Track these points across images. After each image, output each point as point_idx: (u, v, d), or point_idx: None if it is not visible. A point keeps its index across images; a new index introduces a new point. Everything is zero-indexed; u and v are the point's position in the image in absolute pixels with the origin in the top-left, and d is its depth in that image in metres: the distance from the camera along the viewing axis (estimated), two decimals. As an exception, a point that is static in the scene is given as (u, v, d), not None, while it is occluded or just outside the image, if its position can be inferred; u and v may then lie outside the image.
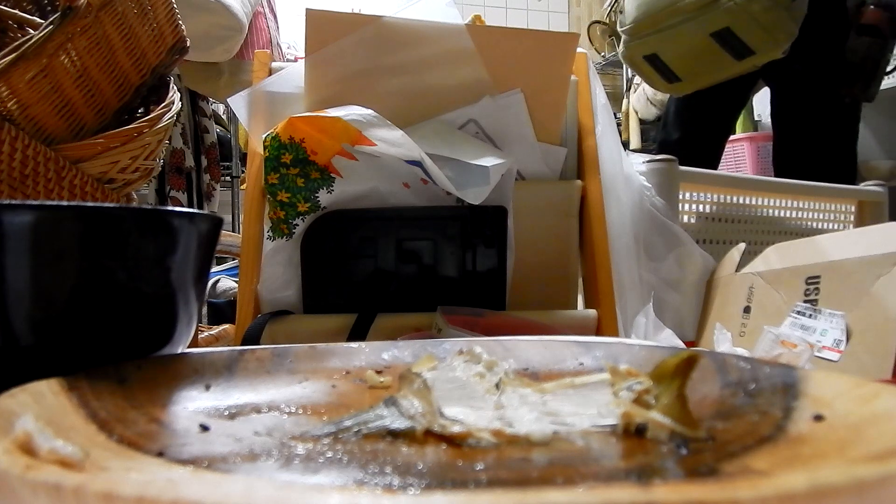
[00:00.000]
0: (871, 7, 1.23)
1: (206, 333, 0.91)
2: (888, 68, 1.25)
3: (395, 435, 0.24)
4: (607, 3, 1.49)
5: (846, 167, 1.31)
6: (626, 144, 2.51)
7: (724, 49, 1.19)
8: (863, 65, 1.24)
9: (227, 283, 1.49)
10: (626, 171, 0.83)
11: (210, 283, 1.45)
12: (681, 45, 1.22)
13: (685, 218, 0.96)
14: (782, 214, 1.06)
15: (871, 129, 2.34)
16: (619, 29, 1.30)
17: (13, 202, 0.27)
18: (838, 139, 1.32)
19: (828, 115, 1.31)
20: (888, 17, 1.22)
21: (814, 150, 1.30)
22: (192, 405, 0.28)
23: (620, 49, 1.33)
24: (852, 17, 1.22)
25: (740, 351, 0.65)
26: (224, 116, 1.96)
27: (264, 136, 0.60)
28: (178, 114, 0.69)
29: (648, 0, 1.22)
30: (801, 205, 1.08)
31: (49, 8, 0.72)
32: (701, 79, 1.27)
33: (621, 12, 1.30)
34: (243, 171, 1.78)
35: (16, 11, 0.70)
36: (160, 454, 0.22)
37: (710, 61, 1.22)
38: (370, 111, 0.58)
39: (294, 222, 0.61)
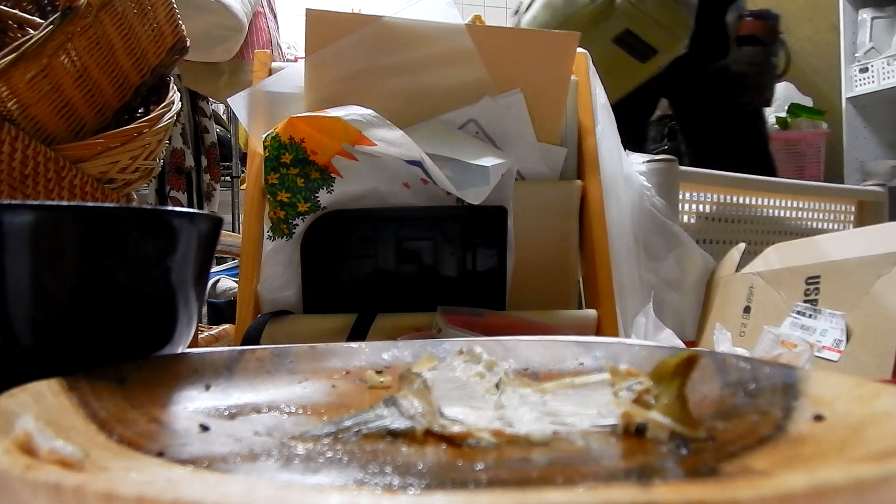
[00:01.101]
0: (748, 18, 1.30)
1: (206, 333, 0.91)
2: (777, 72, 1.31)
3: (395, 435, 0.24)
4: None
5: (762, 169, 1.33)
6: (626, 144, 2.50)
7: (628, 52, 1.21)
8: (748, 72, 1.30)
9: (227, 283, 1.49)
10: (626, 171, 0.83)
11: (210, 283, 1.45)
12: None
13: (685, 218, 0.96)
14: (782, 214, 1.06)
15: (871, 129, 2.34)
16: None
17: (13, 202, 0.27)
18: (745, 145, 1.34)
19: (728, 123, 1.33)
20: (764, 26, 1.30)
21: (723, 159, 1.32)
22: (192, 405, 0.28)
23: None
24: (731, 30, 1.26)
25: (740, 351, 0.65)
26: (224, 116, 1.96)
27: (264, 136, 0.60)
28: (178, 114, 0.69)
29: (542, 23, 1.24)
30: (801, 205, 1.08)
31: (49, 8, 0.72)
32: (612, 91, 1.28)
33: None
34: (243, 171, 1.78)
35: (16, 11, 0.69)
36: (160, 454, 0.22)
37: (617, 69, 1.24)
38: (370, 111, 0.58)
39: (294, 222, 0.61)
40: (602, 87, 0.76)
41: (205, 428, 0.25)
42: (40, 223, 0.27)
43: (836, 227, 1.12)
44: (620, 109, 1.37)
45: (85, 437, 0.22)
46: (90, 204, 0.31)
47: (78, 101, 0.58)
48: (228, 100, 0.66)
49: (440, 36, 0.63)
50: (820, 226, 1.10)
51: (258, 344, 0.55)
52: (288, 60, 1.41)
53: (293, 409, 0.29)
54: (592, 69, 0.74)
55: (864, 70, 2.26)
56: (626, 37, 1.19)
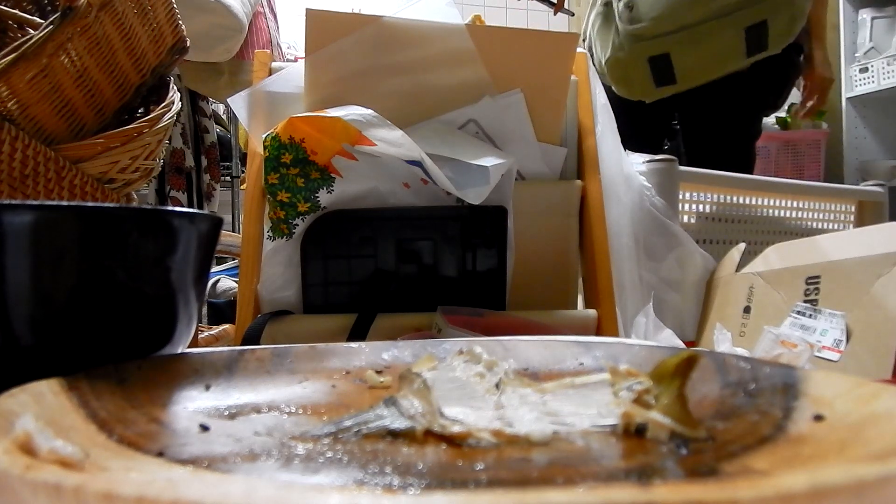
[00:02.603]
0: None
1: (206, 333, 0.91)
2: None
3: (395, 435, 0.24)
4: (594, 13, 1.43)
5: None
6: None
7: (748, 44, 1.19)
8: (791, 76, 1.35)
9: (227, 283, 1.49)
10: (626, 171, 0.83)
11: (210, 283, 1.45)
12: (707, 42, 1.20)
13: (685, 218, 0.96)
14: (782, 214, 1.06)
15: (871, 129, 2.34)
16: (627, 28, 1.26)
17: (13, 202, 0.27)
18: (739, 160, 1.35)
19: (730, 144, 1.34)
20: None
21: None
22: (192, 405, 0.28)
23: (609, 53, 1.30)
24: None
25: (740, 351, 0.65)
26: (224, 116, 1.96)
27: (264, 136, 0.60)
28: (178, 114, 0.69)
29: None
30: (801, 205, 1.08)
31: (49, 8, 0.72)
32: (695, 79, 1.26)
33: (628, 10, 1.27)
34: (243, 171, 1.78)
35: (16, 11, 0.70)
36: (160, 454, 0.22)
37: (722, 59, 1.22)
38: (370, 111, 0.58)
39: (294, 222, 0.61)
40: (601, 85, 0.76)
41: (205, 428, 0.25)
42: (40, 223, 0.27)
43: (836, 227, 1.12)
44: (642, 117, 1.37)
45: (85, 437, 0.22)
46: (90, 204, 0.31)
47: (78, 101, 0.58)
48: (228, 100, 0.66)
49: (440, 36, 0.63)
50: (820, 226, 1.10)
51: (258, 344, 0.55)
52: (288, 60, 1.41)
53: (293, 409, 0.29)
54: (592, 69, 0.74)
55: (864, 70, 2.26)
56: (760, 28, 1.17)
